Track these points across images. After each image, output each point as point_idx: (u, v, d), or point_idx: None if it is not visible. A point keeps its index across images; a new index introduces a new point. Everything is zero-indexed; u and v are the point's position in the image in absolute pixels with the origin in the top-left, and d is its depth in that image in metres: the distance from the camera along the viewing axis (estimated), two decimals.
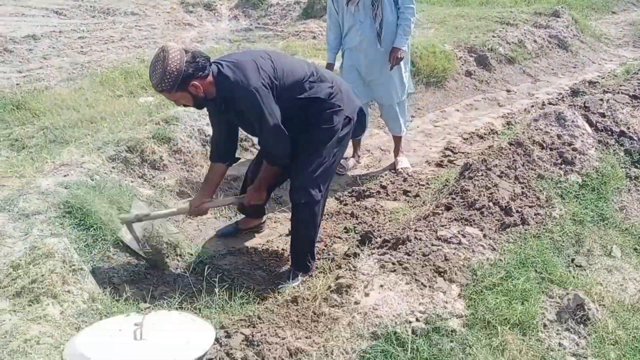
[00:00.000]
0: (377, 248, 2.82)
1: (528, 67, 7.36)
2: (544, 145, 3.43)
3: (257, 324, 2.08)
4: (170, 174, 3.94)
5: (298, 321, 2.10)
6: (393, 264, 2.37)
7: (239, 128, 3.15)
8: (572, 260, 2.82)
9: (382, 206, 4.03)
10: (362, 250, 3.17)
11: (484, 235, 2.70)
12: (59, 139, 4.38)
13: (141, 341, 1.89)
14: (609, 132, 3.76)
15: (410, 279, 2.27)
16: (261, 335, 2.01)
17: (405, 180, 4.43)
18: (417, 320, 2.09)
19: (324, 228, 3.73)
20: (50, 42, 8.03)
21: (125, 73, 6.17)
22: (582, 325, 2.33)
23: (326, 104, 2.89)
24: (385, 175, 4.55)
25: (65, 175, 3.35)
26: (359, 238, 3.33)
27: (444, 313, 2.15)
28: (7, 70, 6.69)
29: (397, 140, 4.69)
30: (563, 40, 8.17)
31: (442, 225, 2.75)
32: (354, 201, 4.16)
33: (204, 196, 3.07)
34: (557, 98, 6.50)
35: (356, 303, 2.16)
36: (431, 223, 2.79)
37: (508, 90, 6.73)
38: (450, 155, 4.91)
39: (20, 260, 2.28)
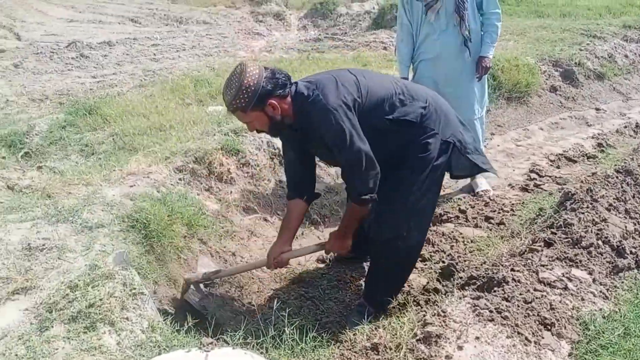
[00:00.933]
0: (466, 288, 2.49)
1: (618, 83, 6.76)
2: None
3: None
4: (237, 187, 3.76)
5: None
6: (490, 311, 2.03)
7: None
8: None
9: (461, 233, 3.68)
10: (444, 285, 2.85)
11: (594, 280, 2.31)
12: (127, 146, 4.32)
13: None
14: None
15: (511, 331, 1.94)
16: None
17: (486, 204, 4.05)
18: None
19: None
20: (124, 48, 8.18)
21: (196, 81, 6.13)
22: None
23: (417, 128, 2.49)
24: (464, 198, 4.19)
25: (131, 186, 3.23)
26: (440, 271, 3.01)
27: None
28: (82, 75, 6.82)
29: None
30: None
31: (543, 265, 2.39)
32: (430, 226, 3.82)
33: (283, 244, 2.64)
34: None
35: (447, 357, 1.84)
36: (529, 261, 2.43)
37: (597, 109, 6.18)
38: (536, 179, 4.47)
39: (79, 280, 2.12)
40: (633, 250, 2.48)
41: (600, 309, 2.15)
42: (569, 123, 5.85)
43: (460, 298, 2.17)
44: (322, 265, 3.32)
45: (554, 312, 2.07)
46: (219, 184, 3.72)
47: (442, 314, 2.04)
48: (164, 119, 4.83)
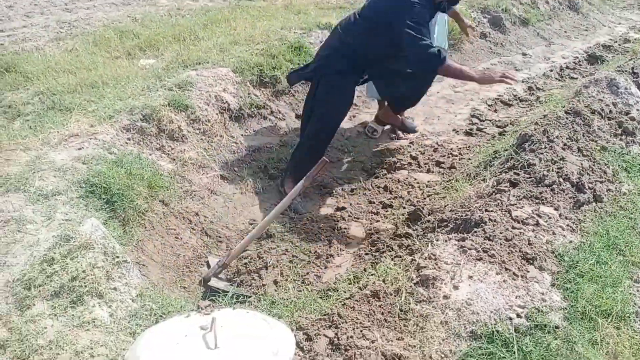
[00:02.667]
0: (438, 230, 2.57)
1: (541, 29, 7.08)
2: (602, 114, 3.18)
3: (339, 323, 1.82)
4: (190, 145, 3.59)
5: (385, 320, 1.85)
6: (477, 251, 2.12)
7: None
8: None
9: (415, 179, 3.78)
10: (414, 229, 2.93)
11: (560, 215, 2.46)
12: (58, 106, 3.97)
13: (216, 350, 1.62)
14: None
15: (499, 268, 2.03)
16: (347, 338, 1.75)
17: (435, 150, 4.17)
18: (518, 316, 1.86)
19: (358, 204, 3.49)
20: None
21: (120, 32, 5.70)
22: None
23: None
24: (412, 145, 4.28)
25: (79, 149, 2.99)
26: (407, 216, 3.08)
27: (543, 306, 1.92)
28: None
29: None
30: (574, 1, 7.89)
31: (513, 205, 2.50)
32: (385, 174, 3.89)
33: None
34: (574, 62, 6.27)
35: (446, 297, 1.91)
36: (499, 202, 2.54)
37: (524, 54, 6.46)
38: (477, 123, 4.65)
39: (54, 252, 1.95)
40: (590, 185, 2.65)
41: (571, 241, 2.30)
42: (500, 68, 6.07)
43: (446, 241, 2.24)
44: (286, 219, 3.30)
45: (532, 247, 2.19)
46: (171, 142, 3.53)
47: (433, 257, 2.10)
48: (94, 75, 4.48)
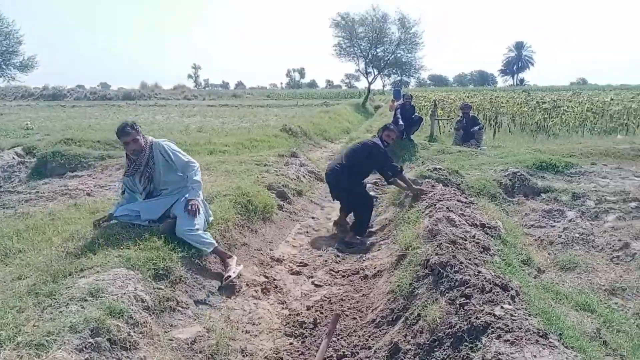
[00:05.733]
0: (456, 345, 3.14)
1: (312, 197, 8.58)
2: (467, 240, 4.39)
3: None
4: (145, 351, 3.28)
5: None
6: (516, 340, 2.80)
7: None
8: None
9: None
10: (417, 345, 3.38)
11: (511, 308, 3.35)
12: None
13: None
14: (476, 225, 5.02)
15: (540, 346, 2.75)
16: None
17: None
18: None
19: None
20: None
21: None
22: None
23: None
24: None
25: None
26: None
27: None
28: None
29: None
30: (317, 173, 9.82)
31: (479, 310, 3.29)
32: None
33: None
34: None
35: None
36: (467, 312, 3.30)
37: (312, 217, 7.69)
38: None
39: None
40: (504, 283, 3.67)
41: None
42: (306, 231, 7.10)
43: (489, 342, 2.86)
44: None
45: (538, 329, 2.99)
46: (125, 352, 3.17)
47: (499, 354, 2.69)
48: None
